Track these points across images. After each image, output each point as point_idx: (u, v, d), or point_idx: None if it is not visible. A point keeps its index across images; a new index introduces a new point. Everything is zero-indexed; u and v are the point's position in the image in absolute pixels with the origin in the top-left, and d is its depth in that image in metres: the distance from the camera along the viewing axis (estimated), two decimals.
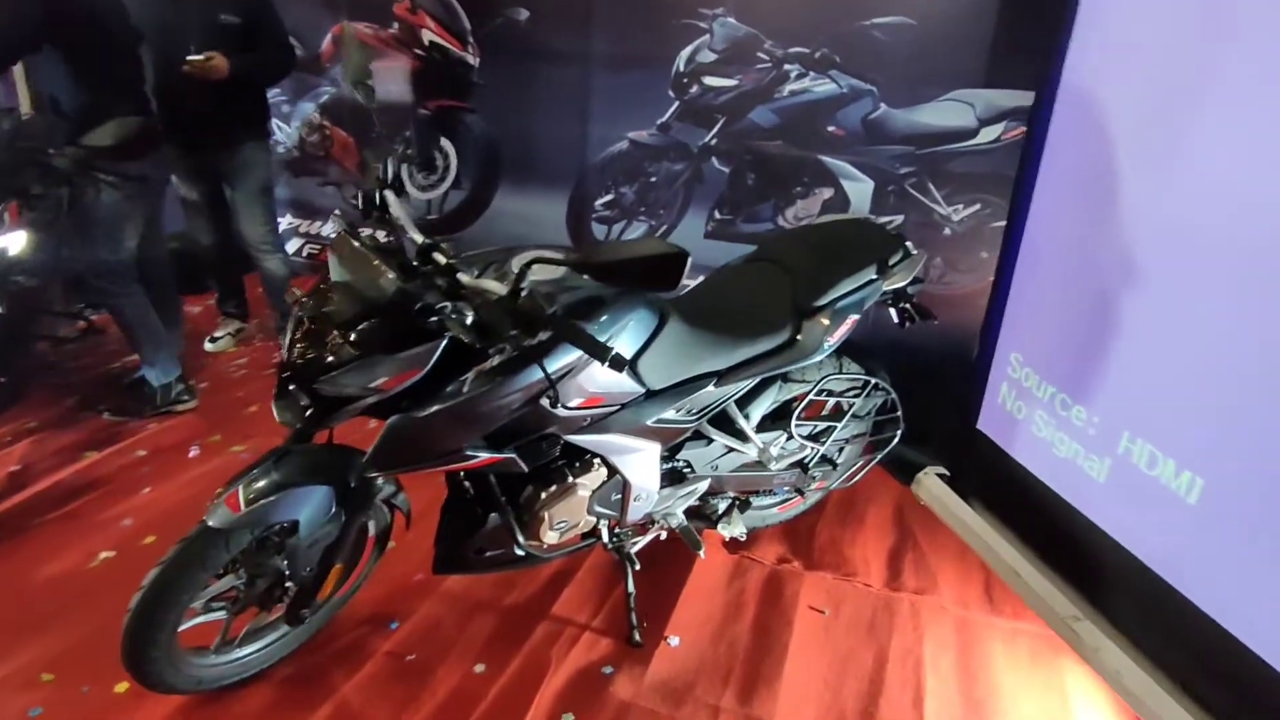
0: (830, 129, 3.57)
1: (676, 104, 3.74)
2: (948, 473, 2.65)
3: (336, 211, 1.65)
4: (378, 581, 2.20)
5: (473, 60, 4.02)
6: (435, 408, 1.57)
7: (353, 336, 1.48)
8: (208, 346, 3.65)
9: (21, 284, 2.33)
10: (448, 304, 1.52)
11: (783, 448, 2.31)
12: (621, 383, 1.81)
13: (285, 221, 4.57)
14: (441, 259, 1.59)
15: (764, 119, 3.66)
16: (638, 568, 2.19)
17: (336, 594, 2.09)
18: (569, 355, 1.63)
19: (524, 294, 1.48)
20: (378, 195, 1.66)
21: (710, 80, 3.66)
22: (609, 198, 3.99)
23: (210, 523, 1.62)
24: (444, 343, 1.53)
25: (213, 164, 3.28)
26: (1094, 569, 2.20)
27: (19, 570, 2.28)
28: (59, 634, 2.08)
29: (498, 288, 1.51)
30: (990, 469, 2.54)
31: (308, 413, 1.55)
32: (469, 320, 1.51)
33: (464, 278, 1.55)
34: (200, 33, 2.95)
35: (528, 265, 1.55)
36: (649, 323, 1.84)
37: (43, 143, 2.38)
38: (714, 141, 3.74)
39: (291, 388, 1.56)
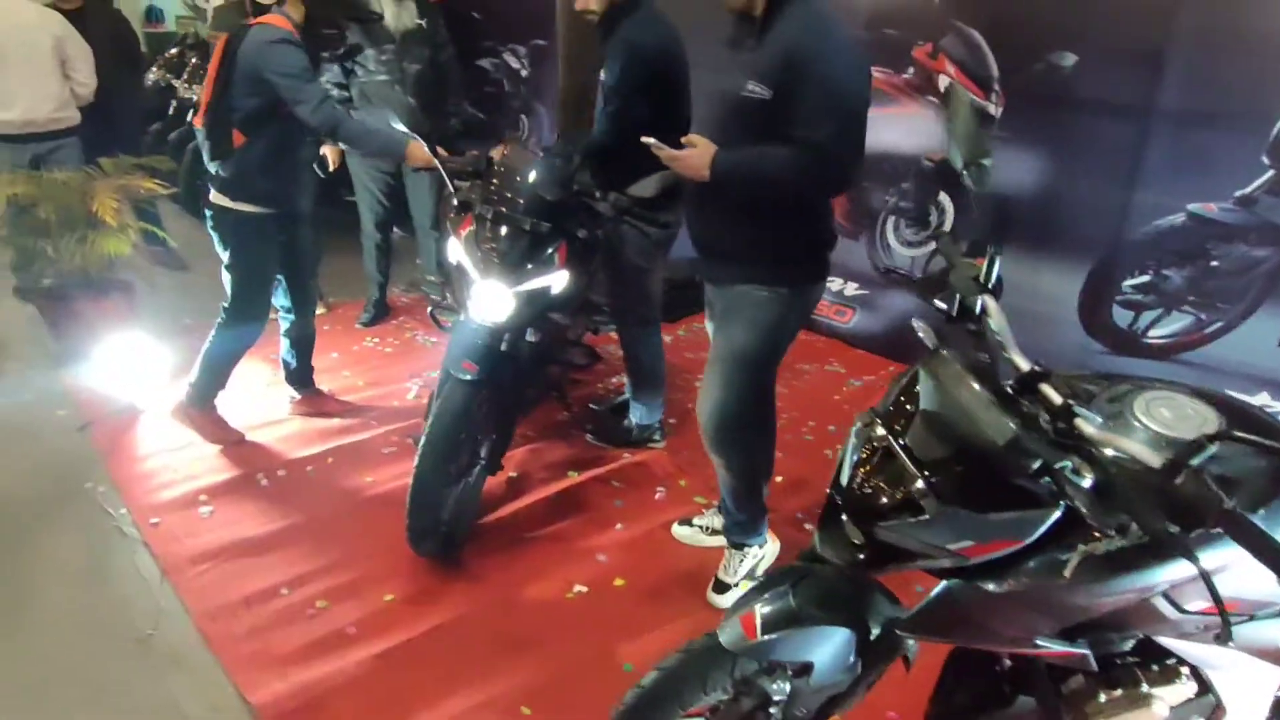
0: None
1: (1270, 174, 2.91)
2: None
3: (919, 324, 1.36)
4: None
5: (994, 110, 3.58)
6: (1011, 585, 1.22)
7: (933, 482, 1.19)
8: None
9: (556, 321, 2.49)
10: (1068, 463, 1.15)
11: None
12: (1267, 588, 1.29)
13: None
14: (1054, 396, 1.22)
15: None
16: None
17: None
18: (1224, 551, 1.16)
19: (1188, 473, 1.05)
20: (977, 301, 1.35)
21: None
22: (1144, 279, 3.28)
23: (722, 641, 1.45)
24: (1057, 515, 1.17)
25: None
26: None
27: (509, 584, 2.42)
28: (540, 665, 2.13)
29: (1148, 456, 1.10)
30: None
31: (859, 555, 1.30)
32: (1088, 486, 1.14)
33: (1089, 428, 1.17)
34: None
35: (1207, 441, 1.11)
36: None
37: (589, 186, 2.50)
38: None
39: (844, 519, 1.32)
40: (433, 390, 2.51)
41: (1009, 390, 1.28)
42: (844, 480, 1.33)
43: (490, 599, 2.36)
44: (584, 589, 2.42)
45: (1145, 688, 1.47)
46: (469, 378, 2.30)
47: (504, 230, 2.31)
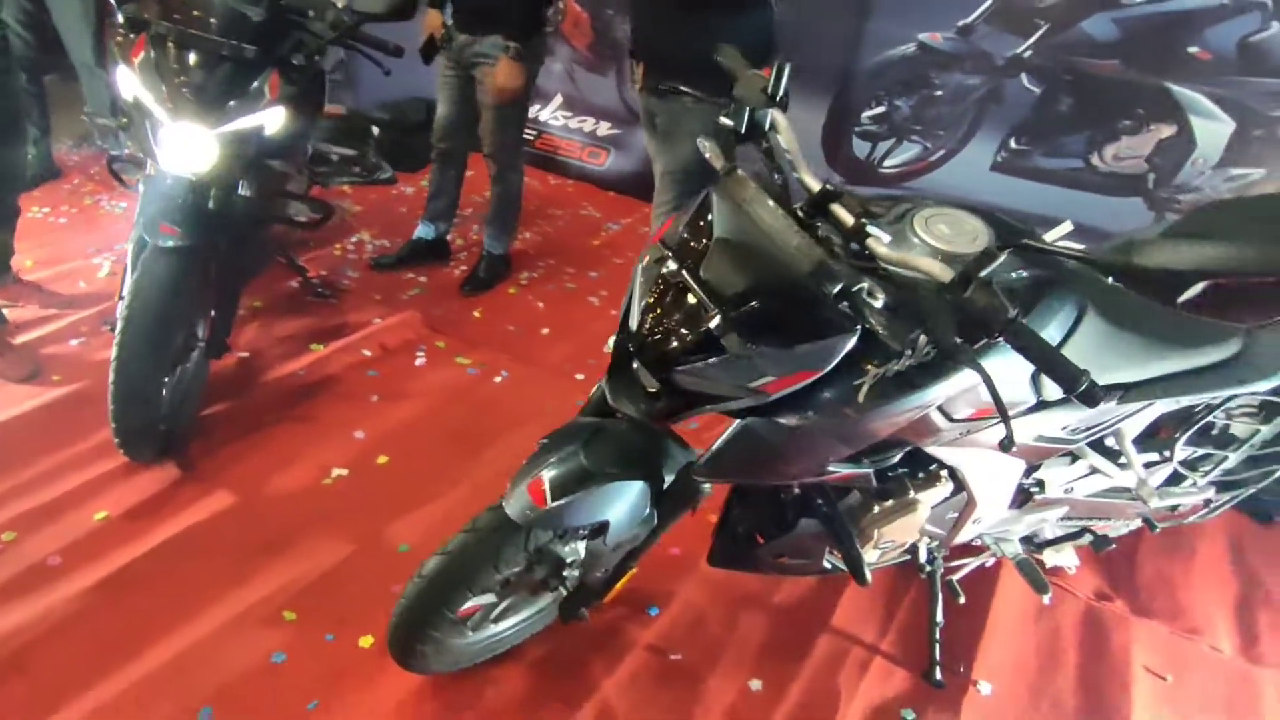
0: (1192, 50, 2.84)
1: (988, 1, 3.07)
2: None
3: (704, 144, 1.23)
4: None
5: None
6: (809, 417, 1.18)
7: (733, 317, 1.09)
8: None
9: (274, 169, 2.08)
10: (864, 284, 1.10)
11: (1170, 476, 1.82)
12: (1018, 391, 1.36)
13: None
14: (847, 216, 1.16)
15: (1101, 30, 2.96)
16: (962, 600, 1.80)
17: None
18: (995, 360, 1.18)
19: (978, 285, 1.04)
20: (768, 115, 1.23)
21: None
22: (879, 110, 3.41)
23: (510, 514, 1.32)
24: (854, 340, 1.12)
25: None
26: None
27: (254, 476, 2.12)
28: (299, 563, 1.90)
29: (938, 270, 1.07)
30: None
31: (655, 403, 1.20)
32: (880, 305, 1.10)
33: (881, 248, 1.12)
34: None
35: (1000, 249, 1.09)
36: (1067, 319, 1.36)
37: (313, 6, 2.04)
38: (1028, 54, 3.07)
39: (636, 366, 1.20)
40: (126, 264, 2.03)
41: (800, 213, 1.20)
42: (634, 325, 1.21)
43: (230, 500, 2.05)
44: (343, 472, 2.18)
45: (912, 494, 1.56)
46: (171, 243, 1.87)
47: (194, 57, 1.84)
